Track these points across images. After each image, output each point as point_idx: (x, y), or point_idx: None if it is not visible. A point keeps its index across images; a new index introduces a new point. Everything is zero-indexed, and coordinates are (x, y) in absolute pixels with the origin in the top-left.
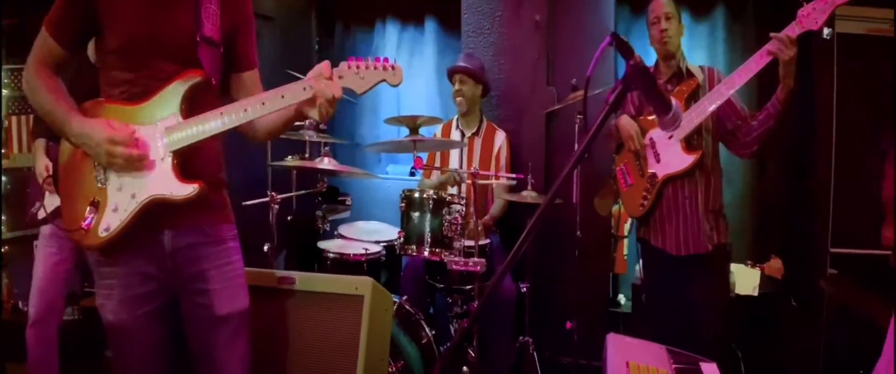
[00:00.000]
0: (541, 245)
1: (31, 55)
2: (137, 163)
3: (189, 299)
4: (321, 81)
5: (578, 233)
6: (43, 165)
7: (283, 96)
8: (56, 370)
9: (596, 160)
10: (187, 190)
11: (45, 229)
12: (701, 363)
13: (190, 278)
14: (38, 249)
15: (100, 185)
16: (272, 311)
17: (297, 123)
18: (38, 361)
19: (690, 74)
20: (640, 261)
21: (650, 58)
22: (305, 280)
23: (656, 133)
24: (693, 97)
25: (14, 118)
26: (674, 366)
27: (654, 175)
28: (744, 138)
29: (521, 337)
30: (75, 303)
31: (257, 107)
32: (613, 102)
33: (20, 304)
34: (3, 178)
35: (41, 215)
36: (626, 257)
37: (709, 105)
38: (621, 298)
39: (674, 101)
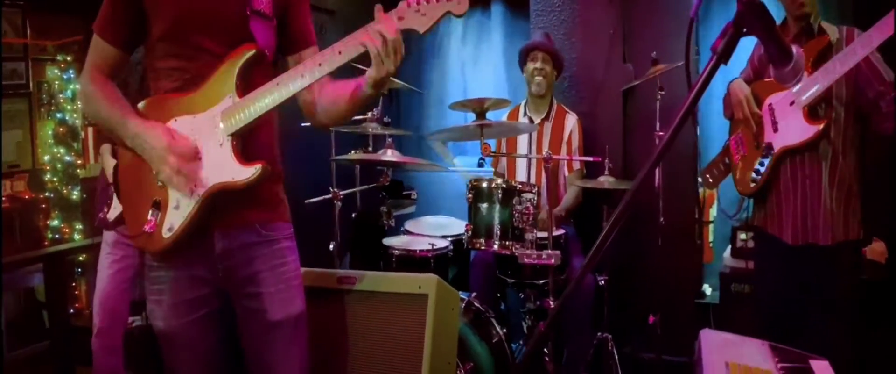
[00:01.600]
0: (620, 234)
1: (86, 63)
2: (182, 181)
3: (241, 303)
4: (371, 29)
5: (661, 219)
6: (112, 167)
7: (340, 53)
8: None
9: (678, 138)
10: (249, 172)
11: (109, 236)
12: (811, 361)
13: (242, 282)
14: (101, 256)
15: (160, 183)
16: (333, 312)
17: (359, 117)
18: (103, 371)
19: (822, 31)
20: (729, 248)
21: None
22: (367, 280)
23: (776, 98)
24: (822, 58)
25: (90, 129)
26: (780, 365)
27: (769, 146)
28: (887, 108)
29: (599, 333)
30: (142, 310)
31: (314, 70)
32: (722, 50)
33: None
34: (80, 187)
35: (111, 216)
36: (711, 245)
37: (838, 67)
38: (707, 288)
39: (795, 48)
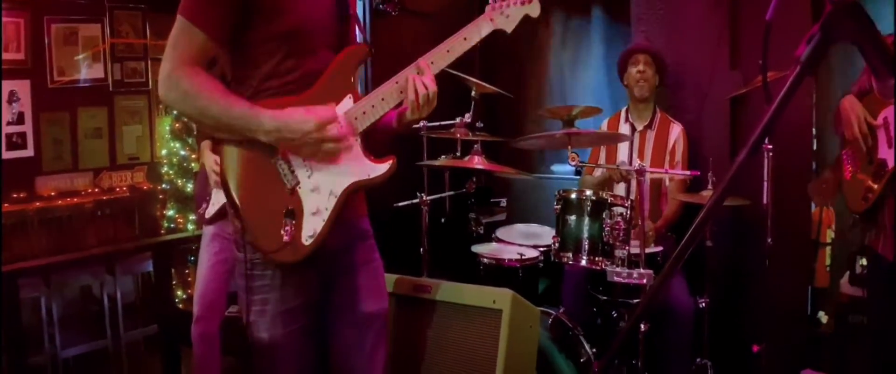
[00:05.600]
0: (724, 254)
1: (176, 56)
2: (346, 144)
3: (334, 299)
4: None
5: (769, 240)
6: (212, 162)
7: (466, 38)
8: (218, 364)
9: (792, 152)
10: (384, 168)
11: (209, 230)
12: None
13: (339, 272)
14: (201, 249)
15: (289, 192)
16: (408, 320)
17: (448, 122)
18: (201, 357)
19: None
20: (847, 275)
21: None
22: (442, 290)
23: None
24: None
25: None
26: None
27: (883, 163)
28: None
29: (698, 359)
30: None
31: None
32: (806, 59)
33: None
34: (193, 180)
35: (209, 213)
36: (828, 269)
37: None
38: (821, 316)
39: None
